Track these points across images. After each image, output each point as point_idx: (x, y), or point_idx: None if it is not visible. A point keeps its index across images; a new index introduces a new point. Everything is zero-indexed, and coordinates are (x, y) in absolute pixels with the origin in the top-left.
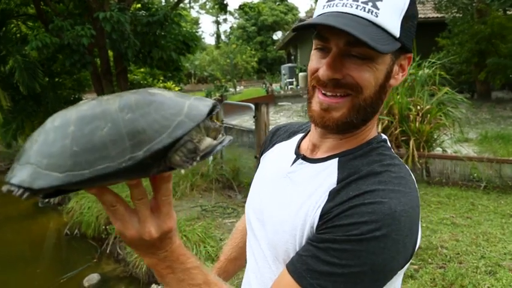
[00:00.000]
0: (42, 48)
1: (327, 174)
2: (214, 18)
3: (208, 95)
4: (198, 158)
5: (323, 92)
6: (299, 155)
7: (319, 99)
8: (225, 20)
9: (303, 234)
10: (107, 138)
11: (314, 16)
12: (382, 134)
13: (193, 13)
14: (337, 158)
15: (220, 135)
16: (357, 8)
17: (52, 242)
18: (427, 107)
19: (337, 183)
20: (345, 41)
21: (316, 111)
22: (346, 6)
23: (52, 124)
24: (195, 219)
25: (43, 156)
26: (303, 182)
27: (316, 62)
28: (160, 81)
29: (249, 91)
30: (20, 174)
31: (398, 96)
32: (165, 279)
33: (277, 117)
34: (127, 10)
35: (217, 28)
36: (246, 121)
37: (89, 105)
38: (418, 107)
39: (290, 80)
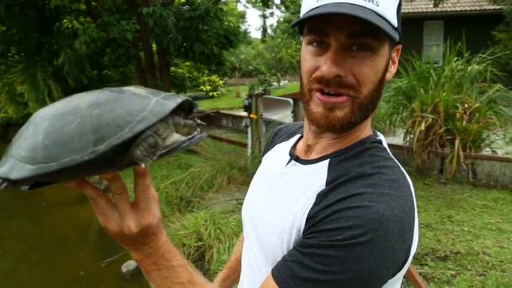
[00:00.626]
0: (90, 43)
1: (317, 175)
2: (260, 12)
3: (251, 88)
4: (159, 153)
5: (325, 91)
6: (293, 156)
7: (320, 100)
8: (271, 14)
9: (291, 237)
10: (74, 133)
11: (305, 11)
12: (377, 133)
13: (240, 7)
14: (328, 159)
15: (196, 132)
16: None
17: (96, 228)
18: (476, 105)
19: (326, 185)
20: (347, 33)
21: (319, 113)
22: None
23: (33, 119)
24: (230, 212)
25: (21, 149)
26: (293, 183)
27: (314, 61)
28: (205, 74)
29: (292, 85)
30: (2, 167)
31: (444, 93)
32: (150, 275)
33: None
34: (170, 5)
35: (264, 22)
36: (287, 116)
37: (65, 102)
38: (466, 105)
39: None
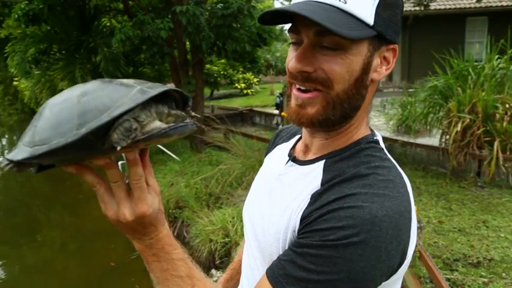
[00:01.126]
0: (125, 41)
1: (313, 176)
2: None
3: (285, 86)
4: (136, 138)
5: (297, 87)
6: (291, 157)
7: (294, 95)
8: None
9: (286, 238)
10: (63, 118)
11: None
12: (375, 133)
13: (277, 4)
14: (323, 160)
15: (182, 123)
16: None
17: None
18: None
19: (321, 186)
20: (314, 31)
21: (292, 108)
22: None
23: (41, 108)
24: None
25: (26, 135)
26: (290, 184)
27: (290, 56)
28: (240, 72)
29: None
30: (12, 151)
31: (483, 93)
32: (150, 266)
33: None
34: (203, 3)
35: None
36: None
37: (66, 91)
38: (507, 105)
39: None
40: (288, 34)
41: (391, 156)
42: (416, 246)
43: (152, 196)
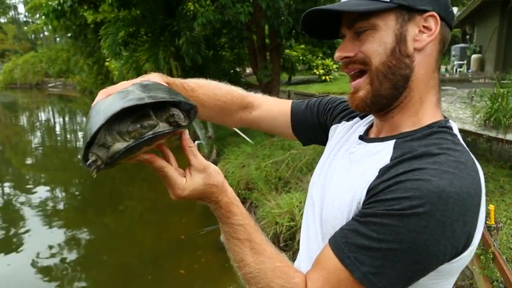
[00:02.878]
0: (207, 24)
1: (382, 154)
2: None
3: None
4: (100, 167)
5: (350, 80)
6: (361, 136)
7: (350, 85)
8: None
9: (351, 210)
10: (84, 135)
11: None
12: (449, 120)
13: None
14: (394, 139)
15: (151, 131)
16: None
17: None
18: None
19: (390, 161)
20: (346, 25)
21: (349, 97)
22: None
23: None
24: None
25: None
26: (358, 161)
27: None
28: (319, 58)
29: None
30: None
31: None
32: (219, 224)
33: None
34: None
35: None
36: None
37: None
38: None
39: (460, 62)
40: None
41: (473, 152)
42: (490, 247)
43: (191, 176)
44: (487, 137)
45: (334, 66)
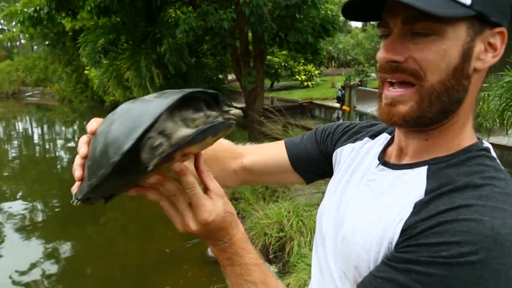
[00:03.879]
0: (189, 31)
1: (414, 184)
2: None
3: (347, 79)
4: (165, 153)
5: (388, 86)
6: (381, 160)
7: (385, 94)
8: None
9: (380, 250)
10: (101, 150)
11: None
12: (484, 141)
13: None
14: (426, 166)
15: (215, 121)
16: None
17: None
18: None
19: (425, 194)
20: (402, 18)
21: (382, 108)
22: None
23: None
24: (315, 206)
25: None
26: (383, 191)
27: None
28: (301, 64)
29: None
30: (79, 189)
31: None
32: (225, 270)
33: None
34: None
35: None
36: None
37: (103, 122)
38: None
39: None
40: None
41: None
42: None
43: (213, 201)
44: None
45: (316, 72)
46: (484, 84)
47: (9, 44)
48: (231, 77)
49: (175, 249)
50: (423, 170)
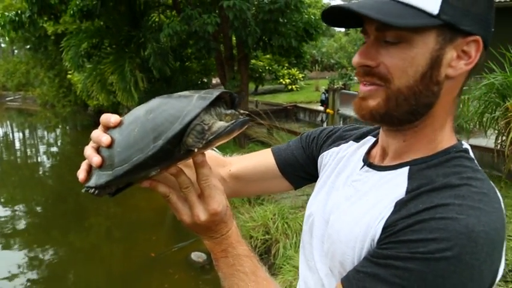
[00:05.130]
0: (173, 35)
1: (396, 183)
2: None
3: (331, 82)
4: (208, 138)
5: (364, 83)
6: (366, 162)
7: (359, 89)
8: None
9: (363, 246)
10: (137, 137)
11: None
12: (463, 142)
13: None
14: (408, 167)
15: (238, 119)
16: None
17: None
18: None
19: (406, 194)
20: (375, 26)
21: (355, 101)
22: None
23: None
24: (300, 208)
25: (102, 161)
26: (367, 191)
27: None
28: (285, 67)
29: None
30: (90, 180)
31: None
32: (218, 262)
33: None
34: None
35: None
36: None
37: (127, 116)
38: None
39: None
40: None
41: None
42: None
43: (220, 193)
44: None
45: (300, 75)
46: (465, 87)
47: None
48: (215, 81)
49: (160, 254)
50: (405, 171)
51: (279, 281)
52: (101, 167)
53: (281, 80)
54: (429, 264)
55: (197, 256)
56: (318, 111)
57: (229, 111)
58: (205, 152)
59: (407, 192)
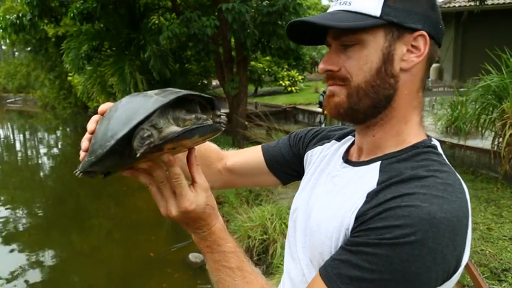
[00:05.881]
0: (172, 38)
1: (368, 177)
2: None
3: None
4: (152, 143)
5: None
6: (344, 159)
7: (327, 89)
8: None
9: (339, 236)
10: (103, 132)
11: None
12: (432, 139)
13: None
14: (380, 161)
15: (200, 123)
16: (335, 6)
17: None
18: None
19: (377, 185)
20: (332, 35)
21: (325, 99)
22: (332, 6)
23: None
24: None
25: (88, 147)
26: (344, 185)
27: None
28: (285, 69)
29: None
30: (82, 163)
31: None
32: (205, 256)
33: None
34: (249, 1)
35: None
36: None
37: (112, 106)
38: None
39: None
40: None
41: None
42: None
43: (196, 193)
44: (450, 144)
45: (300, 77)
46: (462, 89)
47: None
48: (215, 82)
49: (159, 254)
50: (377, 165)
51: (276, 280)
52: (87, 151)
53: (280, 82)
54: (395, 249)
55: (195, 257)
56: (317, 113)
57: (190, 116)
58: (205, 142)
59: (378, 183)
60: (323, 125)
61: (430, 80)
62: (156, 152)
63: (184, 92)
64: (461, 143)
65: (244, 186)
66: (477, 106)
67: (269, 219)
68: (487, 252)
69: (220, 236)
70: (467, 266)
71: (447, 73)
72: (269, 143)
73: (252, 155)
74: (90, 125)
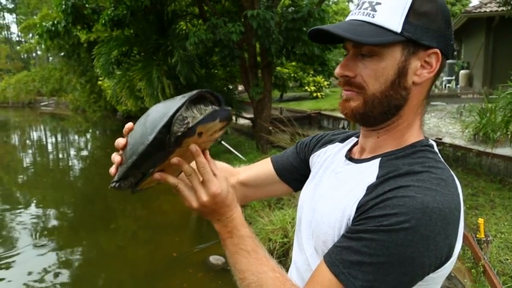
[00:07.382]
0: (199, 44)
1: (369, 172)
2: None
3: None
4: (189, 124)
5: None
6: (347, 157)
7: (342, 93)
8: None
9: (341, 226)
10: (140, 132)
11: None
12: (429, 139)
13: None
14: (380, 158)
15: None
16: (358, 14)
17: (196, 215)
18: None
19: (376, 179)
20: (352, 43)
21: (340, 103)
22: (353, 14)
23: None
24: None
25: (121, 159)
26: (346, 180)
27: None
28: (310, 75)
29: None
30: (116, 174)
31: None
32: (225, 242)
33: (427, 118)
34: (274, 8)
35: None
36: None
37: (137, 122)
38: None
39: (449, 78)
40: None
41: (463, 166)
42: (480, 260)
43: (219, 180)
44: (477, 151)
45: (325, 83)
46: (492, 96)
47: (26, 55)
48: (240, 87)
49: (182, 254)
50: (377, 161)
51: None
52: (121, 164)
53: (306, 88)
54: (391, 235)
55: (215, 259)
56: (341, 119)
57: (209, 107)
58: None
59: (377, 177)
60: (322, 132)
61: (459, 86)
62: (189, 136)
63: (201, 90)
64: (489, 150)
65: (258, 198)
66: (506, 113)
67: (290, 222)
68: (510, 261)
69: (239, 222)
70: (487, 273)
71: (477, 80)
72: (277, 154)
73: (262, 167)
74: (117, 142)
